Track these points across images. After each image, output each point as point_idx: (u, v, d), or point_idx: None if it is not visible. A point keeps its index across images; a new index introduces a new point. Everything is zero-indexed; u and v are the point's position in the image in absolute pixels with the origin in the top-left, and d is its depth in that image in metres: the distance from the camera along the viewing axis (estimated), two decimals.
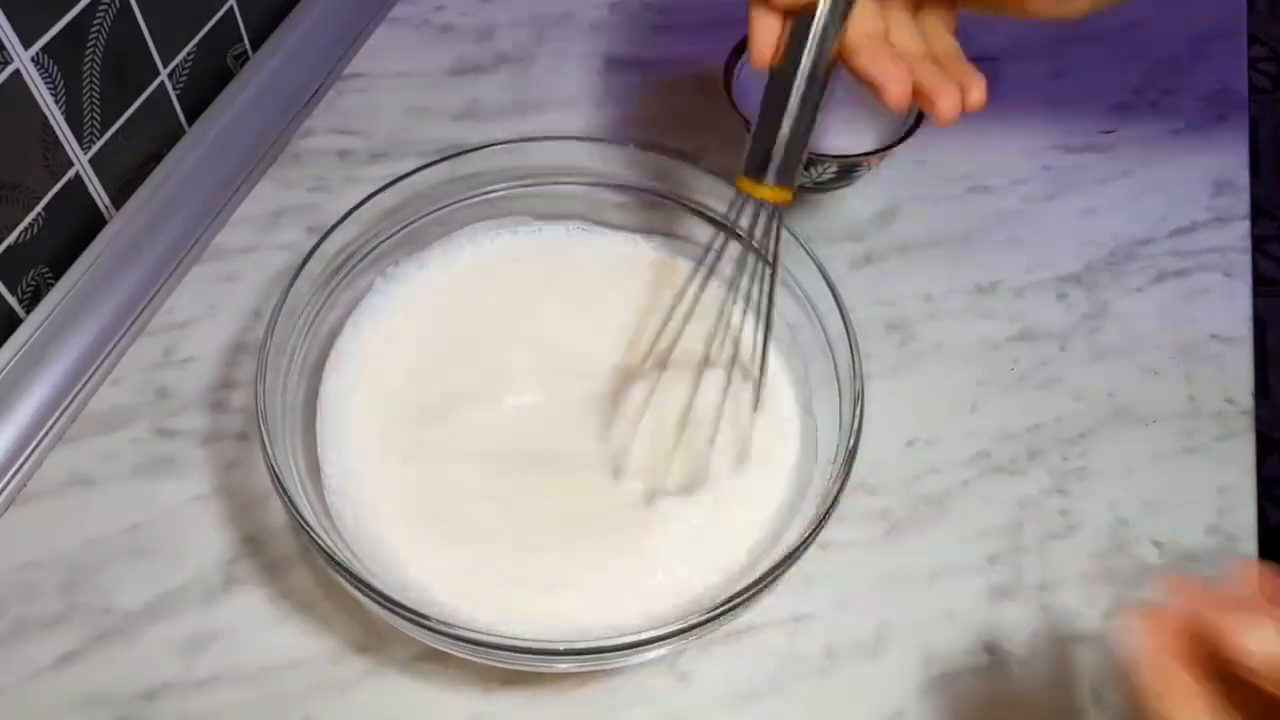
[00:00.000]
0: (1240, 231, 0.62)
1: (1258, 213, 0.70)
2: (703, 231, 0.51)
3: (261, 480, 0.49)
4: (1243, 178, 0.65)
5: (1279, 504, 1.19)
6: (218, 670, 0.44)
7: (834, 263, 0.47)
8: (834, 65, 0.42)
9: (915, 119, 0.59)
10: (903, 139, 0.59)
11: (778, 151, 0.41)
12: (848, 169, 0.60)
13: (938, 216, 0.62)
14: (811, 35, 0.40)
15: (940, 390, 0.55)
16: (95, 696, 0.44)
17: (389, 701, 0.44)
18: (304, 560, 0.47)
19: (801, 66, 0.41)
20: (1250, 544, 0.50)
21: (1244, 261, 0.61)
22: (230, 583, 0.47)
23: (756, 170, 0.42)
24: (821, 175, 0.60)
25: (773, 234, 0.44)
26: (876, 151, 0.59)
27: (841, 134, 0.64)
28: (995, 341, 0.57)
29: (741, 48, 0.61)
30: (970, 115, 0.41)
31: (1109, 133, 0.67)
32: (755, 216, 0.43)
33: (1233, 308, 0.59)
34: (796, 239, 0.47)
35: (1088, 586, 0.48)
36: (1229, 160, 0.66)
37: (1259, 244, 1.07)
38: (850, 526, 0.50)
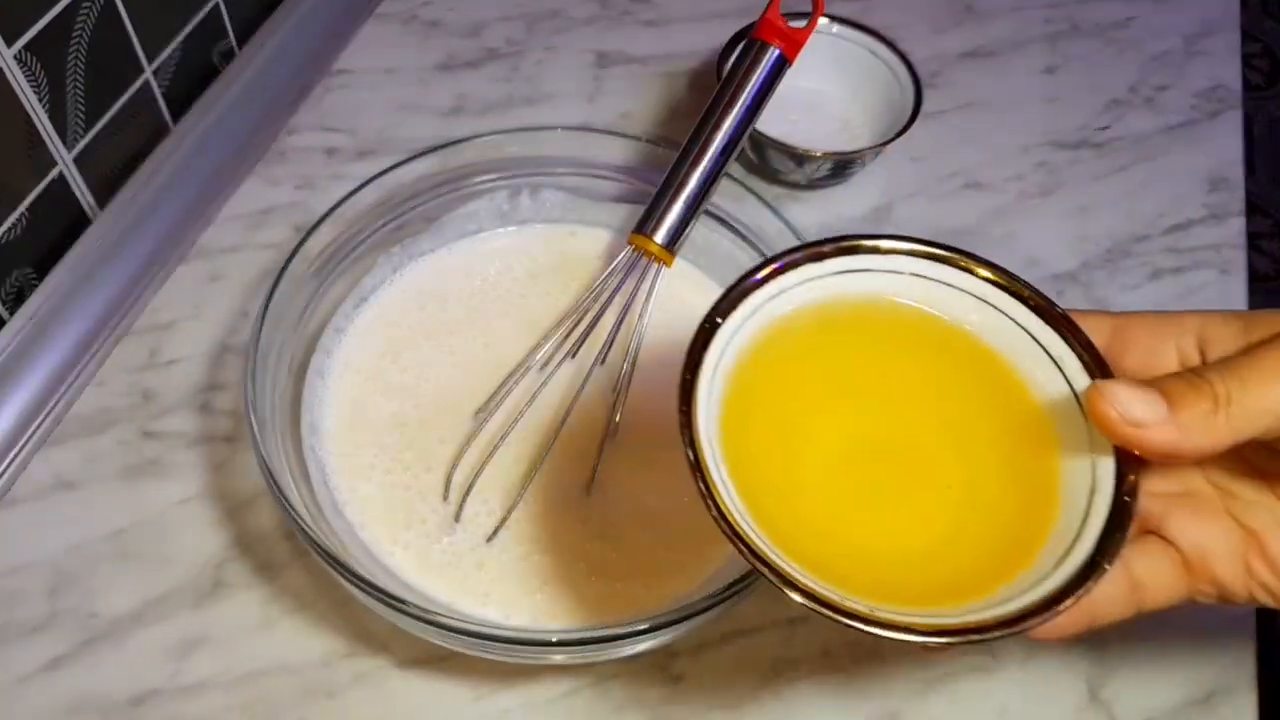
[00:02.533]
0: (1235, 228, 0.62)
1: (1252, 209, 0.70)
2: (697, 227, 0.51)
3: (249, 483, 0.49)
4: (1237, 174, 0.65)
5: None
6: (206, 675, 0.44)
7: None
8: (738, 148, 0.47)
9: (911, 115, 0.59)
10: (897, 135, 0.58)
11: (670, 217, 0.46)
12: (842, 165, 0.59)
13: (933, 213, 0.62)
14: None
15: None
16: (82, 702, 0.43)
17: (380, 707, 0.44)
18: (294, 563, 0.47)
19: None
20: None
21: (1239, 258, 0.61)
22: (218, 586, 0.46)
23: (650, 229, 0.46)
24: (816, 172, 0.60)
25: (649, 288, 0.47)
26: (871, 148, 0.58)
27: (836, 131, 0.64)
28: None
29: (735, 41, 0.61)
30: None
31: (1104, 129, 0.67)
32: (642, 271, 0.47)
33: (1228, 305, 0.59)
34: (792, 230, 0.47)
35: None
36: (1224, 157, 0.66)
37: (1253, 241, 1.07)
38: None
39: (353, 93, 0.66)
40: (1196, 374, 0.28)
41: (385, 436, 0.47)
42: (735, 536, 0.29)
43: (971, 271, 0.34)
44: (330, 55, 0.68)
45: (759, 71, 0.46)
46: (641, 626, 0.37)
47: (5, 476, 0.49)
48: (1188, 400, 0.28)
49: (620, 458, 0.46)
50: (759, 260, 0.34)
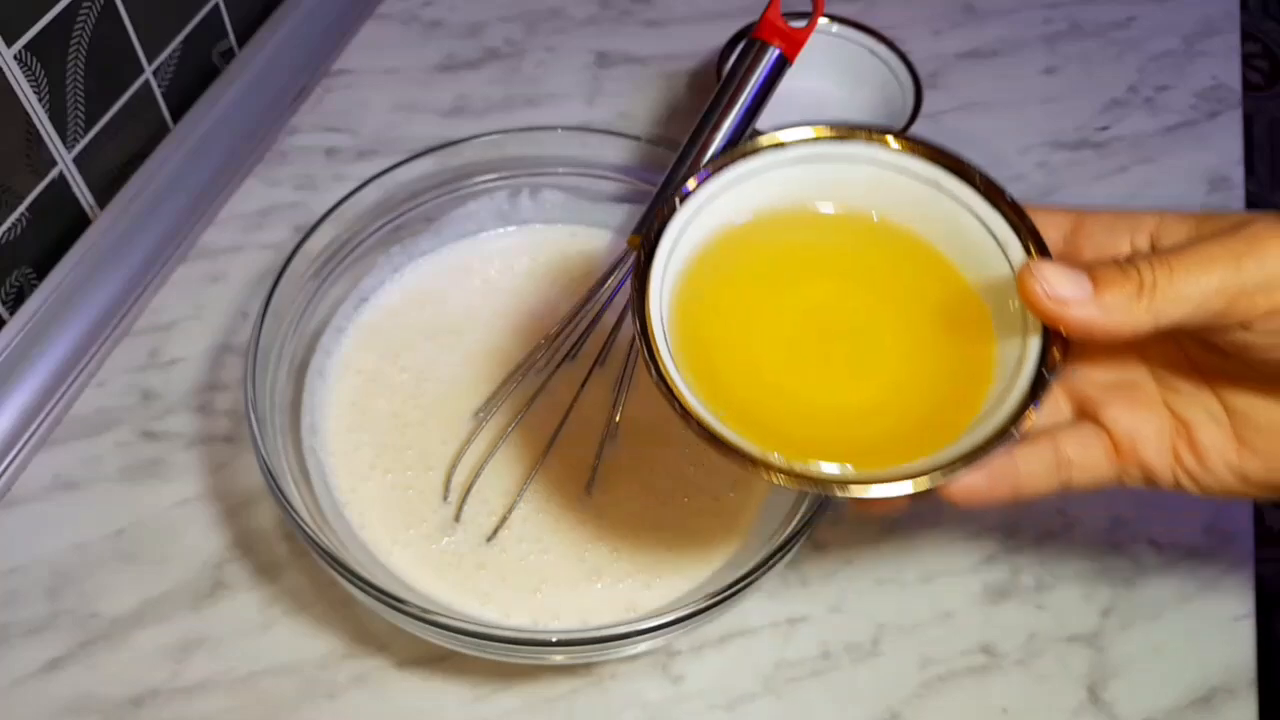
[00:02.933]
0: None
1: (1252, 209, 0.70)
2: None
3: (249, 483, 0.49)
4: (1237, 174, 0.65)
5: (1274, 502, 1.19)
6: (205, 676, 0.44)
7: None
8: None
9: (911, 115, 0.59)
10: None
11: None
12: None
13: None
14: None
15: None
16: (81, 703, 0.43)
17: (380, 707, 0.44)
18: (293, 564, 0.47)
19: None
20: (1246, 542, 0.50)
21: None
22: (218, 587, 0.46)
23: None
24: None
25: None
26: None
27: None
28: None
29: (735, 41, 0.61)
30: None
31: (1104, 129, 0.67)
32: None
33: None
34: None
35: (1084, 586, 0.48)
36: (1224, 157, 0.66)
37: None
38: (845, 527, 0.49)
39: (353, 93, 0.66)
40: (1129, 260, 0.30)
41: (385, 437, 0.47)
42: (670, 394, 0.31)
43: (928, 158, 0.35)
44: (330, 55, 0.68)
45: (759, 71, 0.46)
46: (641, 626, 0.37)
47: (5, 477, 0.49)
48: (1114, 283, 0.29)
49: (620, 458, 0.46)
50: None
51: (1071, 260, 0.33)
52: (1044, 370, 0.31)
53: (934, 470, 0.29)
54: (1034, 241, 0.33)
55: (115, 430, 0.50)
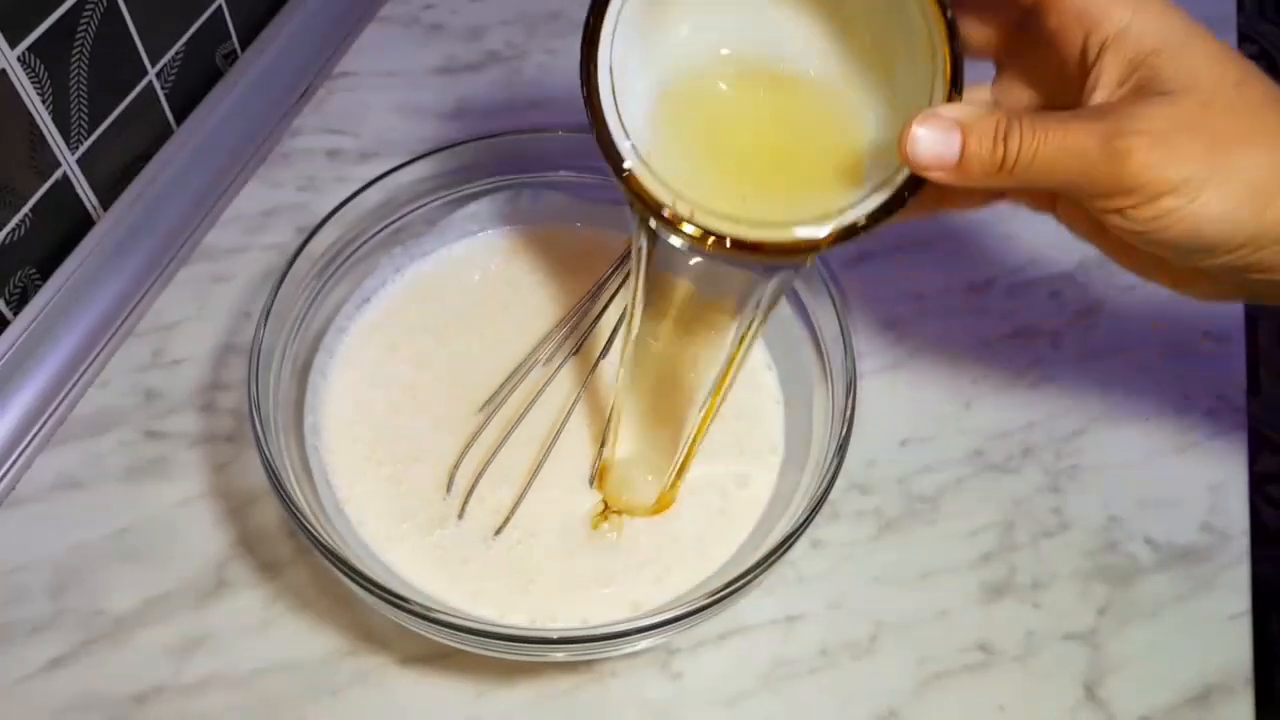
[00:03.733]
0: None
1: None
2: None
3: (252, 482, 0.49)
4: None
5: (1271, 501, 1.19)
6: (208, 674, 0.44)
7: (827, 262, 0.47)
8: None
9: None
10: None
11: None
12: None
13: None
14: None
15: (934, 389, 0.55)
16: (85, 700, 0.43)
17: (382, 705, 0.44)
18: (296, 562, 0.47)
19: None
20: (1242, 540, 0.50)
21: None
22: (221, 585, 0.46)
23: None
24: None
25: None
26: None
27: None
28: (988, 340, 0.57)
29: None
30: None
31: None
32: None
33: (1224, 306, 0.59)
34: None
35: (1080, 584, 0.48)
36: None
37: None
38: (843, 525, 0.50)
39: (355, 95, 0.66)
40: (1010, 127, 0.32)
41: (387, 435, 0.47)
42: (600, 120, 0.34)
43: None
44: (333, 58, 0.68)
45: None
46: (641, 624, 0.38)
47: (9, 476, 0.49)
48: (983, 150, 0.32)
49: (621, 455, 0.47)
50: None
51: (1043, 14, 0.34)
52: (904, 192, 0.33)
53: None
54: (953, 71, 0.33)
55: (118, 430, 0.51)
